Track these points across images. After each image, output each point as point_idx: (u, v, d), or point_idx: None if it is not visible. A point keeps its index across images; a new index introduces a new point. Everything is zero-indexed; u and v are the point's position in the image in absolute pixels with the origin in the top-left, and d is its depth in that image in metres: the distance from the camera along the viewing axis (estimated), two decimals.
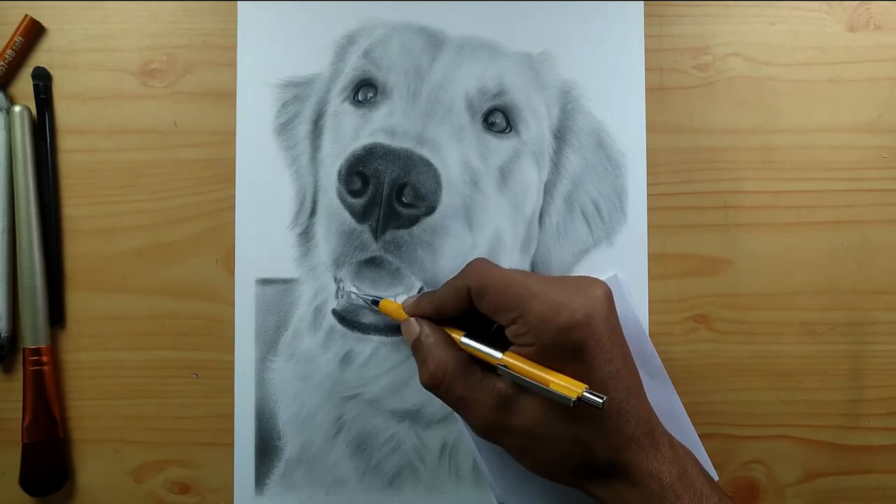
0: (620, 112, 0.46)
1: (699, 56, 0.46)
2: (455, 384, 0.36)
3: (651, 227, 0.46)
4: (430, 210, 0.44)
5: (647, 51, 0.46)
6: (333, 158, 0.45)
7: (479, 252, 0.44)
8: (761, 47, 0.46)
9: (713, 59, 0.46)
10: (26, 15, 0.44)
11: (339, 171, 0.44)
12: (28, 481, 0.44)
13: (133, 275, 0.45)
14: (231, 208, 0.45)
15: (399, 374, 0.45)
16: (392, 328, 0.44)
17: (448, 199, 0.44)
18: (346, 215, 0.44)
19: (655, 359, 0.44)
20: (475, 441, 0.42)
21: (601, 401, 0.32)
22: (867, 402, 0.46)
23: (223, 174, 0.45)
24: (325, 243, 0.44)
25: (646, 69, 0.46)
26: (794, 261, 0.46)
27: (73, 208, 0.45)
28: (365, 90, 0.45)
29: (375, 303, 0.43)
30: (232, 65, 0.45)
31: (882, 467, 0.46)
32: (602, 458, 0.35)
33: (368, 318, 0.45)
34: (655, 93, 0.46)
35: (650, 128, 0.46)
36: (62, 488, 0.44)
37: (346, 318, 0.45)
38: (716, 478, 0.37)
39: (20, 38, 0.44)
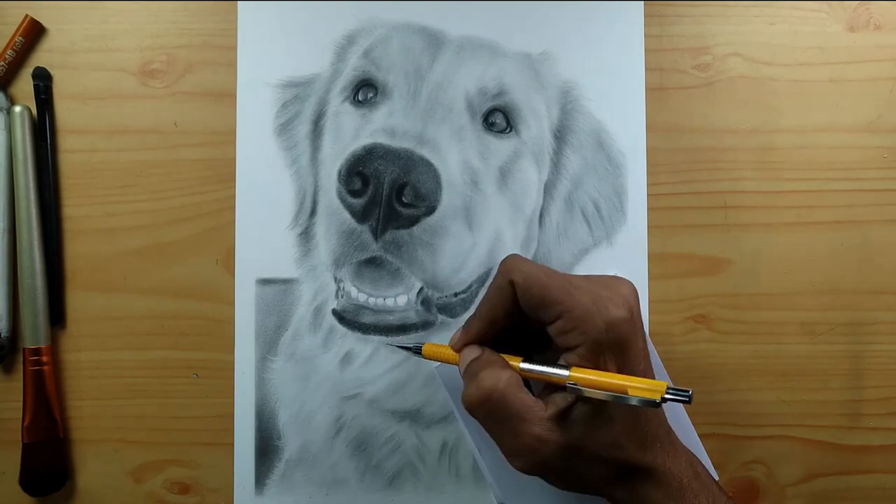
0: (620, 112, 0.46)
1: (699, 56, 0.46)
2: (508, 399, 0.34)
3: (651, 227, 0.46)
4: (430, 210, 0.44)
5: (647, 51, 0.46)
6: (333, 158, 0.45)
7: (479, 252, 0.44)
8: (761, 47, 0.46)
9: (713, 59, 0.46)
10: (26, 15, 0.44)
11: (340, 171, 0.44)
12: (28, 481, 0.44)
13: (133, 275, 0.45)
14: (231, 208, 0.45)
15: (399, 374, 0.45)
16: (392, 329, 0.44)
17: (448, 199, 0.44)
18: (346, 215, 0.44)
19: (655, 358, 0.44)
20: (475, 441, 0.42)
21: (689, 392, 0.32)
22: (867, 402, 0.46)
23: (223, 174, 0.45)
24: (326, 243, 0.44)
25: (646, 69, 0.46)
26: (794, 261, 0.46)
27: (73, 208, 0.45)
28: (365, 90, 0.45)
29: (418, 350, 0.40)
30: (232, 65, 0.45)
31: (882, 467, 0.46)
32: (632, 460, 0.34)
33: (368, 318, 0.45)
34: (655, 93, 0.46)
35: (650, 128, 0.46)
36: (62, 488, 0.44)
37: (346, 318, 0.45)
38: (716, 478, 0.37)
39: (20, 38, 0.44)
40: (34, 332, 0.43)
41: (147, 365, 0.45)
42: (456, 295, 0.45)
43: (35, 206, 0.44)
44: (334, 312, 0.45)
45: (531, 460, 0.35)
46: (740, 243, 0.46)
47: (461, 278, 0.45)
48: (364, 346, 0.45)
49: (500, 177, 0.45)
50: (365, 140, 0.44)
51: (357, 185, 0.43)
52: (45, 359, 0.43)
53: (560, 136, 0.46)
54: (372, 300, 0.44)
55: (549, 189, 0.46)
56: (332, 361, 0.45)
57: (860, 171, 0.46)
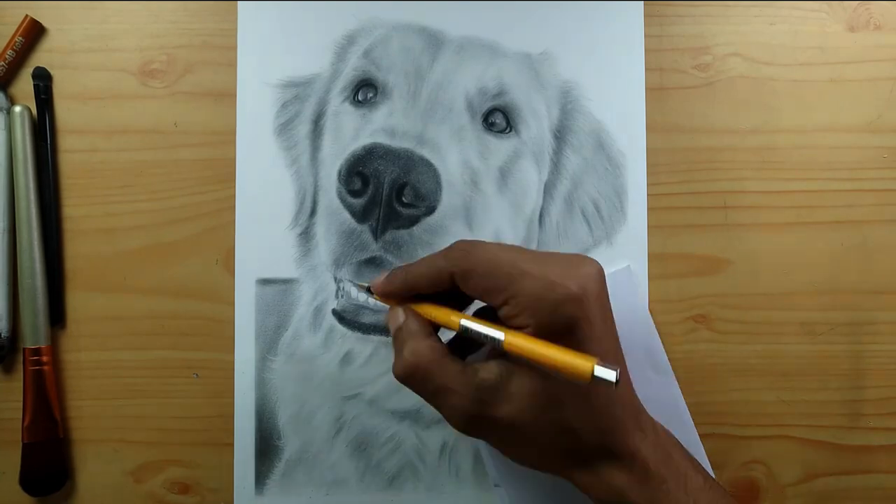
0: (620, 112, 0.46)
1: (699, 56, 0.46)
2: (432, 374, 0.34)
3: (651, 227, 0.46)
4: (430, 210, 0.44)
5: (647, 51, 0.46)
6: (333, 158, 0.45)
7: None
8: (761, 47, 0.46)
9: (713, 59, 0.46)
10: (26, 15, 0.44)
11: (339, 171, 0.44)
12: (28, 481, 0.44)
13: (133, 275, 0.45)
14: (231, 208, 0.45)
15: None
16: None
17: (448, 199, 0.44)
18: (346, 215, 0.44)
19: (662, 355, 0.44)
20: None
21: (615, 372, 0.29)
22: (867, 402, 0.46)
23: (223, 174, 0.45)
24: (326, 243, 0.44)
25: (646, 69, 0.46)
26: (794, 261, 0.46)
27: (73, 208, 0.45)
28: (365, 90, 0.45)
29: (370, 290, 0.40)
30: (232, 65, 0.45)
31: (882, 467, 0.46)
32: (590, 443, 0.34)
33: (368, 317, 0.45)
34: (655, 93, 0.46)
35: (650, 128, 0.46)
36: (62, 488, 0.44)
37: (346, 318, 0.45)
38: (712, 474, 0.37)
39: (20, 38, 0.44)
40: (34, 332, 0.43)
41: (147, 365, 0.45)
42: None
43: (35, 206, 0.44)
44: (334, 312, 0.45)
45: (466, 429, 0.35)
46: (740, 243, 0.46)
47: None
48: (364, 346, 0.45)
49: (500, 177, 0.45)
50: (365, 140, 0.44)
51: (357, 185, 0.43)
52: (45, 359, 0.43)
53: (560, 136, 0.46)
54: (372, 300, 0.44)
55: (549, 189, 0.46)
56: (332, 361, 0.45)
57: (860, 171, 0.46)
